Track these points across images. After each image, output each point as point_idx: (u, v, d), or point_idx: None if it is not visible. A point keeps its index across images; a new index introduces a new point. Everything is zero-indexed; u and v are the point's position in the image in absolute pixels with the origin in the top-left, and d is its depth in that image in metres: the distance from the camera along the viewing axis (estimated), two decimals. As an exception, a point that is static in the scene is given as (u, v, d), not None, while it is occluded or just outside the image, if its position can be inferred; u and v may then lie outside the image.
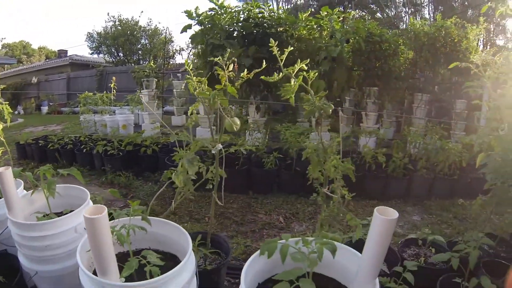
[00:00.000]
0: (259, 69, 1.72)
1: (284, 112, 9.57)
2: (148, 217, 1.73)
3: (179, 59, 19.88)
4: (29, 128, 10.89)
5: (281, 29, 6.34)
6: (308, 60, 1.63)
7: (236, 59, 1.78)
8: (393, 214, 1.21)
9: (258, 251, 1.40)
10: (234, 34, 6.28)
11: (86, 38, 23.33)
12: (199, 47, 6.46)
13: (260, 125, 6.15)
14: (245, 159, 5.06)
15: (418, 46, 8.13)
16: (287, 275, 1.20)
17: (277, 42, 1.68)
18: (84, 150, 5.77)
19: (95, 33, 22.93)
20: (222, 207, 4.08)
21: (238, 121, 1.68)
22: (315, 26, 6.60)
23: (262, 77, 1.59)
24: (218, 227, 3.68)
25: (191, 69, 1.78)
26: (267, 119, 7.28)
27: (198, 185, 2.12)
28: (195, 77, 1.68)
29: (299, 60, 1.59)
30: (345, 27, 6.73)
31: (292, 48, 1.77)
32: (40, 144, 6.28)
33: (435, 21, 8.65)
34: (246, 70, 1.79)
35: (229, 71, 1.78)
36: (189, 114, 1.88)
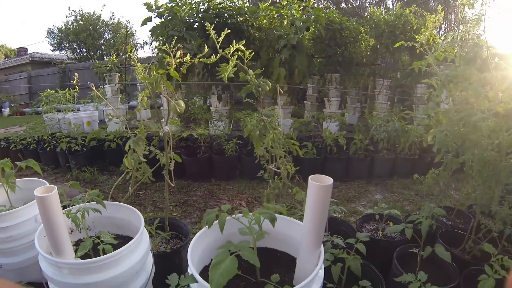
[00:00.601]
0: (212, 59, 1.77)
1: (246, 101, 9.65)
2: (102, 201, 1.75)
3: (142, 53, 19.57)
4: (-11, 132, 10.52)
5: (241, 19, 6.35)
6: (244, 41, 1.68)
7: (182, 46, 1.81)
8: (328, 181, 1.25)
9: (203, 228, 1.44)
10: (195, 26, 6.25)
11: (47, 34, 22.47)
12: (160, 39, 6.40)
13: (222, 115, 6.20)
14: (207, 148, 5.12)
15: (378, 34, 8.34)
16: (230, 246, 1.23)
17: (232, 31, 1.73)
18: (48, 149, 5.64)
19: (56, 29, 22.10)
20: (186, 195, 4.13)
21: (182, 103, 1.72)
22: (275, 15, 6.65)
23: (201, 60, 1.64)
24: (182, 214, 3.73)
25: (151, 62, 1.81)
26: (229, 108, 7.33)
27: (155, 169, 2.15)
28: (139, 64, 1.71)
29: (234, 41, 1.64)
30: (305, 15, 6.82)
31: (251, 38, 1.81)
32: (1, 146, 6.11)
33: (395, 10, 8.90)
34: (197, 59, 1.83)
35: (177, 58, 1.82)
36: (139, 100, 1.90)
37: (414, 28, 8.06)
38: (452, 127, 2.33)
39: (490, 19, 2.53)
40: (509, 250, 2.46)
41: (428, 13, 8.77)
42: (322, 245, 1.35)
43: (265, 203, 1.35)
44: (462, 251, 2.52)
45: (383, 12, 9.35)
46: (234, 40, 1.74)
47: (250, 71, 1.78)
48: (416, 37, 2.90)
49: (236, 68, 1.66)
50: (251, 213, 1.27)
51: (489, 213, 2.58)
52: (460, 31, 2.89)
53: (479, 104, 2.36)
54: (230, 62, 1.64)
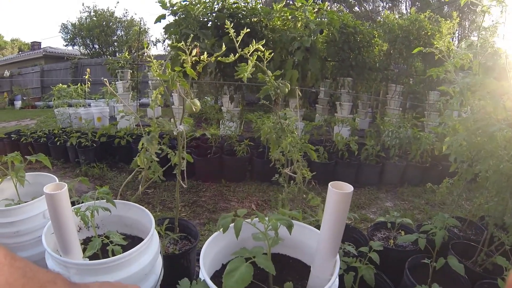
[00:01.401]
0: (230, 58, 1.74)
1: (259, 103, 9.63)
2: (112, 200, 1.72)
3: (154, 51, 19.61)
4: (1, 124, 10.62)
5: (255, 19, 6.34)
6: (264, 41, 1.64)
7: (198, 44, 1.79)
8: (348, 188, 1.21)
9: (217, 232, 1.41)
10: (208, 25, 6.24)
11: (60, 30, 22.75)
12: (173, 37, 6.40)
13: (233, 115, 6.18)
14: (218, 148, 5.08)
15: (392, 38, 8.26)
16: (245, 253, 1.19)
17: (247, 31, 1.70)
18: (58, 143, 5.66)
19: (70, 24, 22.39)
20: (195, 196, 4.10)
21: (198, 103, 1.69)
22: (289, 17, 6.63)
23: (219, 58, 1.61)
24: (190, 215, 3.70)
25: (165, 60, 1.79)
26: (241, 109, 7.31)
27: (165, 168, 2.13)
28: (155, 60, 1.68)
29: (254, 41, 1.61)
30: (319, 18, 6.79)
31: (264, 39, 1.79)
32: (12, 138, 6.14)
33: (409, 15, 8.82)
34: (214, 57, 1.80)
35: (193, 56, 1.79)
36: (152, 98, 1.87)
37: (429, 34, 7.97)
38: (469, 136, 2.28)
39: (509, 26, 2.48)
40: (523, 263, 2.40)
41: (443, 19, 8.68)
42: (338, 254, 1.31)
43: (281, 209, 1.31)
44: (474, 263, 2.46)
45: (397, 17, 9.25)
46: (253, 40, 1.70)
47: (269, 72, 1.75)
48: (435, 43, 2.84)
49: (254, 69, 1.63)
50: (266, 218, 1.24)
51: (502, 226, 2.52)
52: (479, 38, 2.83)
53: (496, 114, 2.31)
54: (250, 62, 1.60)
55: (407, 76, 8.79)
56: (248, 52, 1.62)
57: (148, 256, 1.55)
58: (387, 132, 5.23)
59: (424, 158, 5.05)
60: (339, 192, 1.16)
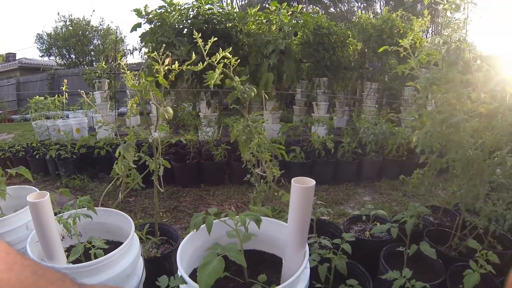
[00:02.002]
0: (199, 66, 1.82)
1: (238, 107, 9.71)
2: (93, 207, 1.78)
3: (131, 59, 19.46)
4: (-23, 140, 10.41)
5: (230, 24, 6.42)
6: (231, 48, 1.73)
7: (170, 53, 1.85)
8: (310, 182, 1.27)
9: (192, 232, 1.48)
10: (184, 32, 6.29)
11: (36, 40, 22.27)
12: (149, 45, 6.43)
13: (211, 120, 6.24)
14: (196, 154, 5.16)
15: (366, 38, 8.47)
16: (218, 248, 1.26)
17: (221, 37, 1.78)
18: (37, 156, 5.61)
19: (45, 34, 21.88)
20: (175, 201, 4.16)
21: (170, 110, 1.77)
22: (264, 21, 6.73)
23: (189, 67, 1.68)
24: (172, 220, 3.76)
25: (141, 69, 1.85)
26: (218, 114, 7.37)
27: (144, 175, 2.19)
28: (129, 71, 1.75)
29: (220, 49, 1.69)
30: (293, 20, 6.91)
31: (239, 44, 1.86)
32: (-11, 154, 6.05)
33: (382, 15, 9.05)
34: (187, 64, 1.88)
35: (166, 65, 1.86)
36: (128, 107, 1.94)
37: (401, 32, 8.20)
38: (435, 128, 2.40)
39: (477, 22, 2.61)
40: (495, 246, 2.54)
41: (415, 17, 8.92)
42: (307, 245, 1.39)
43: (251, 206, 1.39)
44: (449, 248, 2.59)
45: (371, 16, 9.49)
46: (221, 47, 1.79)
47: (236, 78, 1.84)
48: (400, 41, 2.97)
49: (222, 75, 1.71)
50: (237, 216, 1.32)
51: (475, 211, 2.65)
52: (441, 35, 2.96)
53: (461, 105, 2.44)
54: (216, 69, 1.69)
55: (382, 74, 9.00)
56: (216, 60, 1.71)
57: (129, 258, 1.61)
58: (363, 129, 5.37)
59: (401, 152, 5.20)
60: (301, 186, 1.23)
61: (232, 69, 1.78)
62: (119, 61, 1.91)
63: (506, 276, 2.62)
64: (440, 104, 2.47)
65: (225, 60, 1.73)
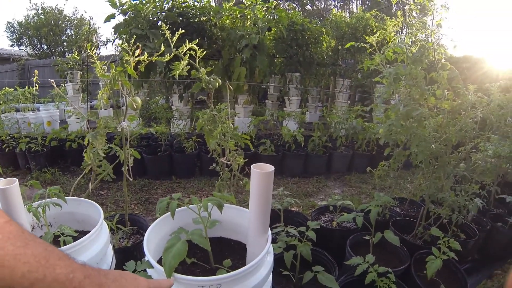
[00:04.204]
0: (166, 57, 1.86)
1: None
2: (63, 195, 1.80)
3: (104, 51, 19.04)
4: None
5: (204, 18, 6.42)
6: (197, 41, 1.78)
7: (140, 45, 1.87)
8: (269, 168, 1.31)
9: (158, 218, 1.53)
10: (158, 24, 6.25)
11: (6, 28, 21.43)
12: (123, 37, 6.36)
13: (183, 114, 6.26)
14: (167, 146, 5.20)
15: (340, 35, 8.63)
16: (182, 231, 1.31)
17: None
18: (6, 150, 5.48)
19: (16, 23, 21.09)
20: (147, 194, 4.18)
21: (139, 100, 1.79)
22: (239, 15, 6.77)
23: (158, 58, 1.72)
24: (143, 212, 3.78)
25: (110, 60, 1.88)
26: (190, 108, 7.40)
27: (115, 164, 2.21)
28: (99, 61, 1.77)
29: (187, 41, 1.74)
30: (268, 16, 6.97)
31: (212, 38, 1.90)
32: (-44, 149, 5.86)
33: (357, 14, 9.23)
34: (156, 55, 1.91)
35: (136, 56, 1.89)
36: (98, 97, 1.96)
37: (374, 31, 8.37)
38: (398, 121, 2.51)
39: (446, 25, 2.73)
40: (459, 235, 2.69)
41: (389, 18, 9.14)
42: (269, 230, 1.44)
43: (214, 192, 1.44)
44: (414, 237, 2.72)
45: (347, 15, 9.66)
46: (192, 40, 1.83)
47: (202, 69, 1.89)
48: (367, 38, 3.07)
49: (189, 67, 1.76)
50: (201, 202, 1.36)
51: (439, 202, 2.80)
52: (407, 33, 3.09)
53: (425, 101, 2.57)
54: (182, 60, 1.73)
55: (355, 71, 9.20)
56: (182, 51, 1.75)
57: (98, 245, 1.64)
58: (334, 123, 5.50)
59: (370, 147, 5.37)
60: (260, 171, 1.28)
61: (198, 60, 1.82)
62: (89, 51, 1.91)
63: (470, 264, 2.78)
64: (403, 99, 2.58)
65: (191, 52, 1.77)
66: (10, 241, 0.54)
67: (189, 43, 1.71)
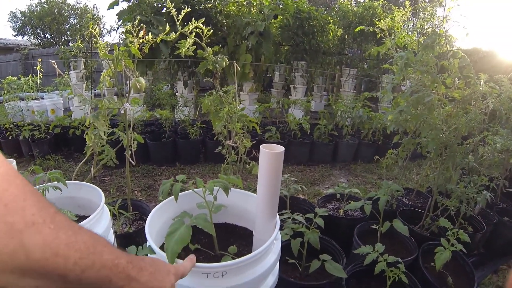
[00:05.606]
0: (172, 36, 1.78)
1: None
2: (63, 179, 1.74)
3: (108, 39, 18.88)
4: None
5: (210, 5, 6.31)
6: (203, 19, 1.70)
7: (144, 26, 1.80)
8: (279, 149, 1.24)
9: (162, 202, 1.47)
10: (163, 11, 6.16)
11: (9, 18, 21.35)
12: (127, 24, 6.27)
13: (187, 100, 6.20)
14: (172, 132, 5.15)
15: (346, 24, 8.51)
16: (185, 216, 1.26)
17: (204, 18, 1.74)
18: (10, 137, 5.45)
19: (19, 12, 20.95)
20: (151, 180, 4.13)
21: (143, 81, 1.73)
22: (244, 3, 6.66)
23: (162, 37, 1.65)
24: (147, 198, 3.75)
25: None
26: (195, 95, 7.35)
27: (117, 148, 2.16)
28: (101, 41, 1.71)
29: (193, 19, 1.66)
30: (274, 3, 6.86)
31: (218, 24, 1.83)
32: (-40, 136, 5.84)
33: (364, 3, 9.08)
34: (159, 38, 1.84)
35: (139, 37, 1.82)
36: (101, 79, 1.89)
37: (382, 20, 8.24)
38: (408, 108, 2.44)
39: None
40: (466, 227, 2.63)
41: (396, 7, 8.99)
42: (277, 215, 1.38)
43: (220, 175, 1.37)
44: (421, 228, 2.67)
45: (353, 4, 9.51)
46: (195, 20, 1.76)
47: (209, 49, 1.81)
48: (377, 23, 2.99)
49: (195, 47, 1.69)
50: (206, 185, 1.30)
51: (447, 193, 2.73)
52: (418, 19, 3.00)
53: (436, 89, 2.49)
54: (188, 38, 1.66)
55: (361, 61, 9.08)
56: (188, 30, 1.68)
57: (99, 230, 1.59)
58: (340, 112, 5.43)
59: (376, 137, 5.30)
60: (269, 151, 1.21)
61: (204, 39, 1.75)
62: (91, 30, 1.84)
63: (476, 258, 2.72)
64: (414, 85, 2.51)
65: (198, 30, 1.70)
66: (62, 231, 0.54)
67: (195, 21, 1.64)
